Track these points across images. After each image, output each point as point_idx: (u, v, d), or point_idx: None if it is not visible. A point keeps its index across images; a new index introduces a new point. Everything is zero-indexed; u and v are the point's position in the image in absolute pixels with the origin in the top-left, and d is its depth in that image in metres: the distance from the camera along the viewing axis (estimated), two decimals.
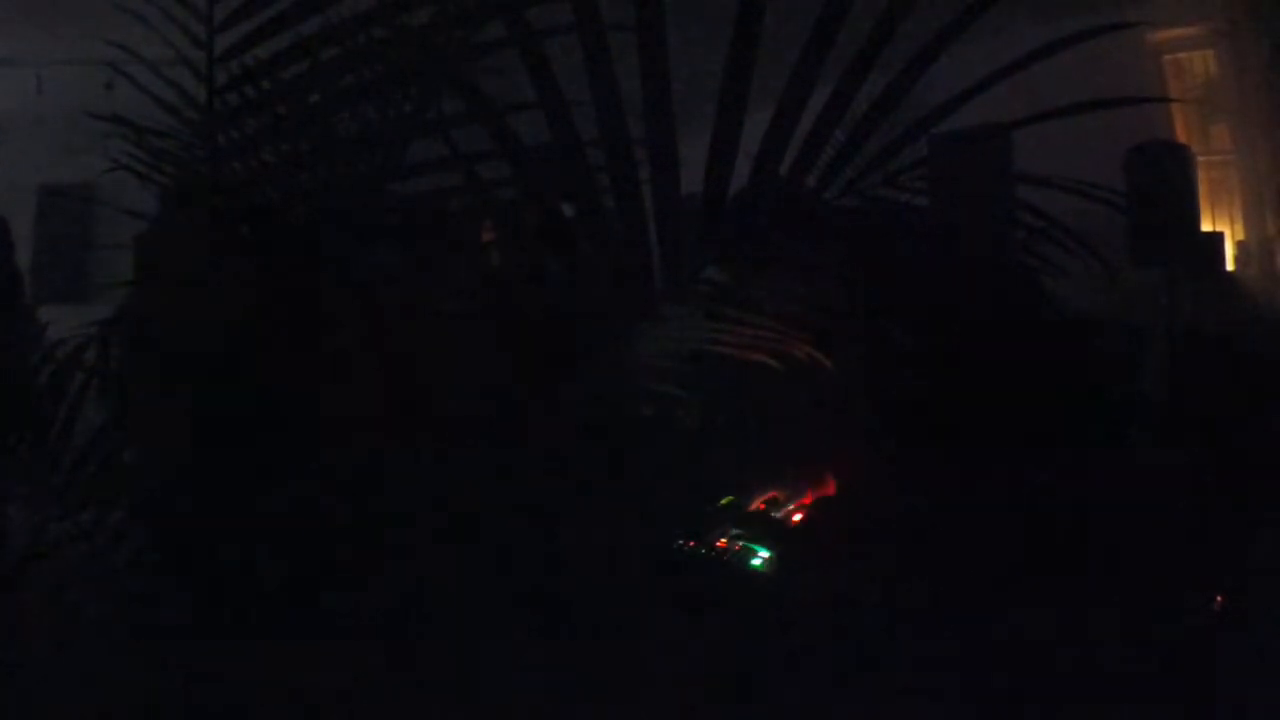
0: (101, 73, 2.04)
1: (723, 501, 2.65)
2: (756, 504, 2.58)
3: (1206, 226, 6.27)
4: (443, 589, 1.63)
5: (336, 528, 1.62)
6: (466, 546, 1.65)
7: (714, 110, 1.47)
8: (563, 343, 1.68)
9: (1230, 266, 6.16)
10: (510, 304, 1.78)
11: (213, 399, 1.63)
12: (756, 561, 2.39)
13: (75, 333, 1.78)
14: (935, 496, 2.18)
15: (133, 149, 1.73)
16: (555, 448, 1.68)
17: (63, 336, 1.82)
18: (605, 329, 1.64)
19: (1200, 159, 6.22)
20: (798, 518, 2.52)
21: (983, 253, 2.16)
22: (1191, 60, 6.56)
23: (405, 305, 1.67)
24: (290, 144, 1.71)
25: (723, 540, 2.45)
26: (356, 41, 1.64)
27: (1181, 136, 6.40)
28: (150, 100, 1.72)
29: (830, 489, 2.46)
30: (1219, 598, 2.75)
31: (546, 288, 1.77)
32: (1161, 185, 5.58)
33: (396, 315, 1.65)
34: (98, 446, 1.74)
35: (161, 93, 1.71)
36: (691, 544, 2.40)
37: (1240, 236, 6.40)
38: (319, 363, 1.64)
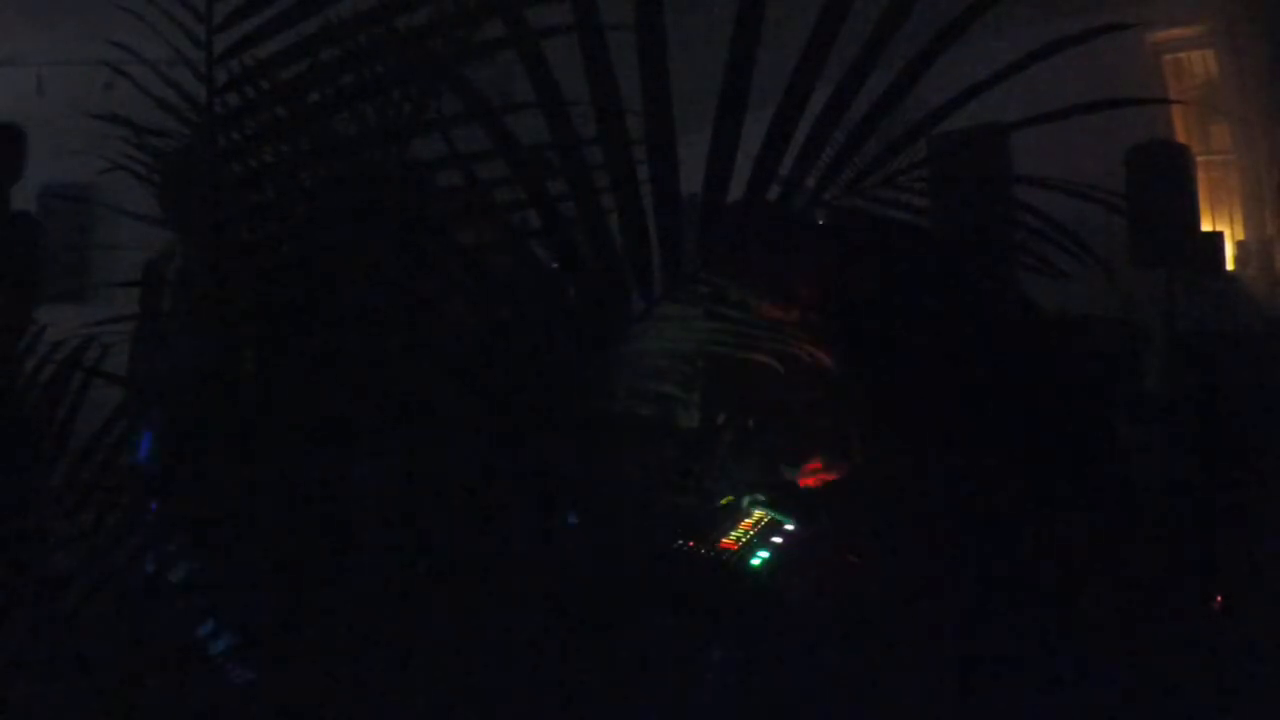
0: (101, 73, 2.04)
1: (722, 501, 2.66)
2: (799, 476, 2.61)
3: (1206, 226, 6.28)
4: (439, 587, 1.64)
5: (334, 527, 1.62)
6: (463, 547, 1.65)
7: (714, 110, 1.47)
8: (561, 343, 1.68)
9: (1230, 266, 6.18)
10: (508, 303, 1.78)
11: (221, 398, 1.64)
12: (756, 561, 2.40)
13: (75, 333, 1.78)
14: (931, 496, 2.19)
15: (133, 149, 1.73)
16: (554, 448, 1.69)
17: (63, 337, 1.82)
18: (605, 329, 1.64)
19: (1200, 159, 6.25)
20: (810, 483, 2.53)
21: (981, 254, 2.17)
22: (1191, 60, 6.58)
23: (403, 305, 1.67)
24: (290, 144, 1.71)
25: (723, 541, 2.46)
26: (356, 41, 1.64)
27: (1181, 136, 6.41)
28: (150, 100, 1.72)
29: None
30: (1219, 598, 2.76)
31: (544, 287, 1.78)
32: (1161, 185, 5.60)
33: (394, 314, 1.66)
34: (98, 446, 1.74)
35: (162, 93, 1.71)
36: (691, 544, 2.40)
37: (1240, 236, 6.41)
38: (314, 362, 1.65)
